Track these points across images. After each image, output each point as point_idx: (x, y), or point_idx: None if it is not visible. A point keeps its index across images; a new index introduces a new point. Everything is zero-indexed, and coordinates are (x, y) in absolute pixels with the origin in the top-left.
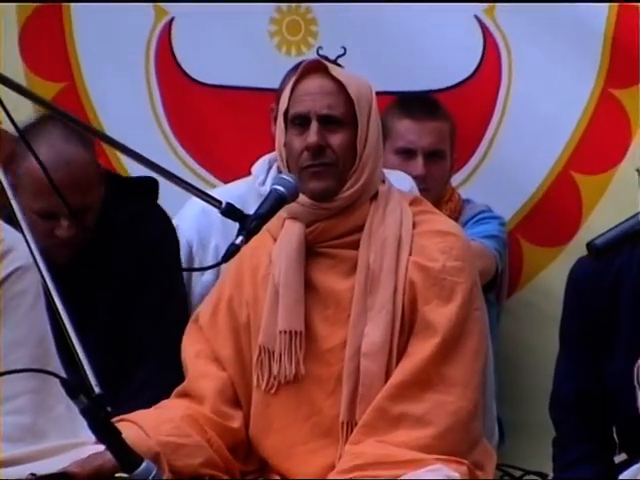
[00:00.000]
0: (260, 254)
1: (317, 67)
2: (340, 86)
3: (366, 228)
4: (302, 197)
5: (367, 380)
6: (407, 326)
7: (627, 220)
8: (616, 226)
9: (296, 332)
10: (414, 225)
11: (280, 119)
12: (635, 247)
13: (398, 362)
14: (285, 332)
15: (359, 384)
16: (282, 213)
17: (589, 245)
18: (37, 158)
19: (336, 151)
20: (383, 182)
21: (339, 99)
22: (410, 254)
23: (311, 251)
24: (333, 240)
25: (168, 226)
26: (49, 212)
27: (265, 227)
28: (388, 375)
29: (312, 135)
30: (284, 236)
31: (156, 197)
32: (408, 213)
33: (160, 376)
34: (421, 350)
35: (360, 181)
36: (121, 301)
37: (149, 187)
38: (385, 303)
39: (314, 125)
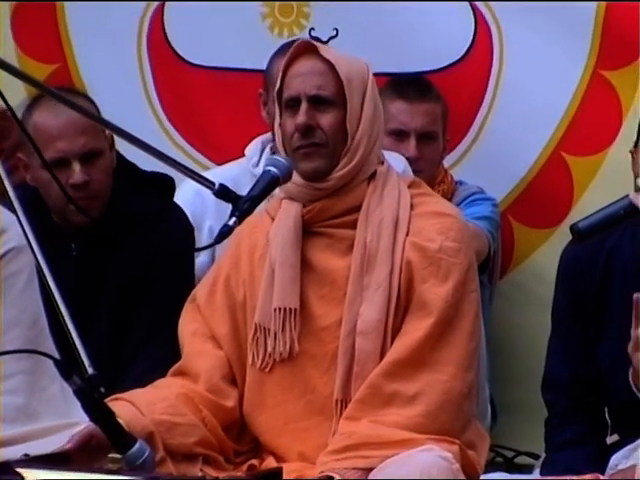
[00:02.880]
0: (258, 234)
1: (308, 48)
2: (330, 66)
3: (363, 208)
4: (297, 177)
5: (362, 359)
6: (402, 305)
7: (613, 203)
8: (602, 209)
9: (291, 309)
10: (412, 207)
11: (275, 101)
12: (626, 229)
13: (393, 341)
14: (280, 309)
15: (354, 362)
16: (279, 193)
17: (572, 228)
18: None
19: (326, 131)
20: (382, 163)
21: (329, 79)
22: (407, 234)
23: (308, 231)
24: (330, 220)
25: (187, 227)
26: (60, 159)
27: (264, 207)
28: (383, 354)
29: (301, 116)
30: (281, 216)
31: (173, 194)
32: (406, 195)
33: (158, 367)
34: (416, 330)
35: (353, 161)
36: (129, 294)
37: (166, 184)
38: (381, 282)
39: (303, 106)
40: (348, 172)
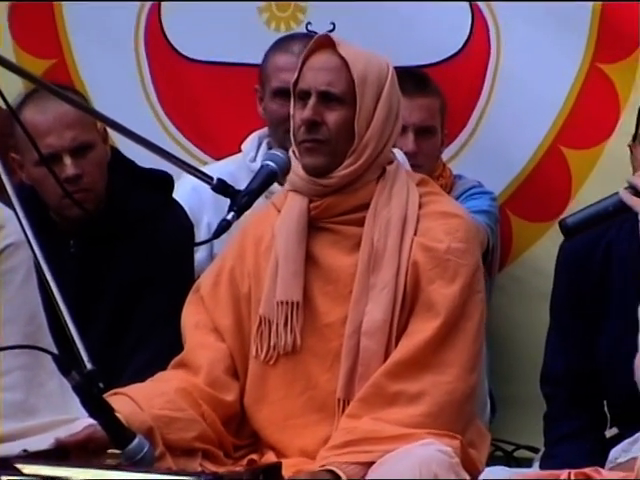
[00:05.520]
0: (264, 226)
1: (326, 43)
2: (344, 63)
3: (371, 207)
4: (301, 171)
5: (366, 359)
6: (408, 306)
7: (603, 200)
8: (591, 205)
9: (293, 302)
10: (420, 206)
11: (292, 91)
12: (624, 222)
13: (397, 341)
14: (282, 303)
15: (358, 362)
16: (286, 186)
17: (560, 223)
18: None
19: (330, 128)
20: (391, 162)
21: (341, 76)
22: (415, 234)
23: (315, 226)
24: (338, 216)
25: (187, 225)
26: (50, 154)
27: (271, 200)
28: (387, 354)
29: (307, 110)
30: (286, 209)
31: (171, 191)
32: (415, 194)
33: (157, 362)
34: (422, 330)
35: (359, 162)
36: (129, 291)
37: (165, 180)
38: (387, 282)
39: (312, 100)
40: (352, 172)
